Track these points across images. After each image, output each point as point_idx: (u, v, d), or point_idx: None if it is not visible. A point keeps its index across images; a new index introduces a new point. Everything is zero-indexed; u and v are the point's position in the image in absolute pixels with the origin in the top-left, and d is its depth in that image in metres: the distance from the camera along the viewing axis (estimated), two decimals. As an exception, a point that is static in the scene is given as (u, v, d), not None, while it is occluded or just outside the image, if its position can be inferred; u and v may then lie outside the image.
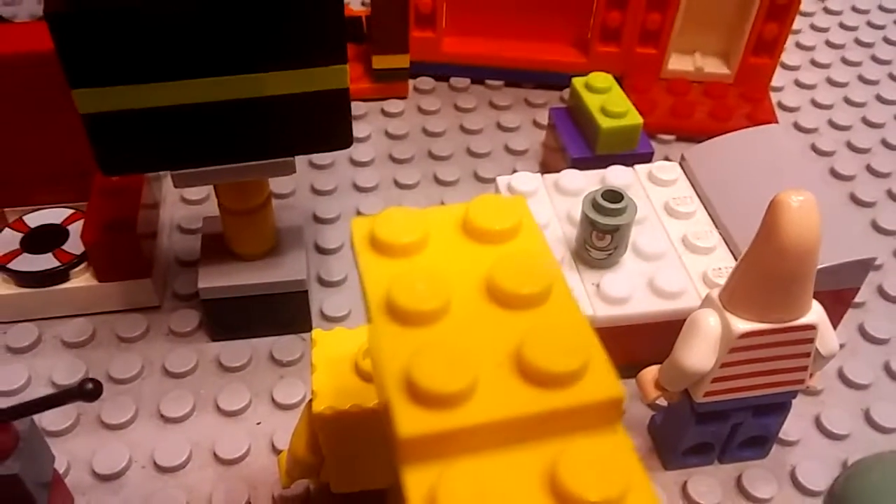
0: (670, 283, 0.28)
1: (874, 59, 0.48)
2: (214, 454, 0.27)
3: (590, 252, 0.29)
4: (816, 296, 0.23)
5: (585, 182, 0.32)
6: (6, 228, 0.32)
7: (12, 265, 0.31)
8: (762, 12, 0.40)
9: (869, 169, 0.41)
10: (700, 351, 0.24)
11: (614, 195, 0.28)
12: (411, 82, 0.44)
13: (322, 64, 0.24)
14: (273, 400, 0.29)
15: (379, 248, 0.16)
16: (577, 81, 0.36)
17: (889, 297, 0.34)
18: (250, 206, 0.29)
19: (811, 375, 0.25)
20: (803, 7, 0.46)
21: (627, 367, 0.27)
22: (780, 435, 0.28)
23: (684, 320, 0.25)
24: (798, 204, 0.21)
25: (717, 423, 0.26)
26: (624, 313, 0.28)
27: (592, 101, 0.35)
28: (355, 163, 0.40)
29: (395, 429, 0.13)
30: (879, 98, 0.45)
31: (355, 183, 0.39)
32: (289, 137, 0.26)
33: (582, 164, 0.34)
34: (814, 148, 0.42)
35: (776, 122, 0.41)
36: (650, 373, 0.26)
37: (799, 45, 0.49)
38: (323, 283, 0.34)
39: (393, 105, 0.43)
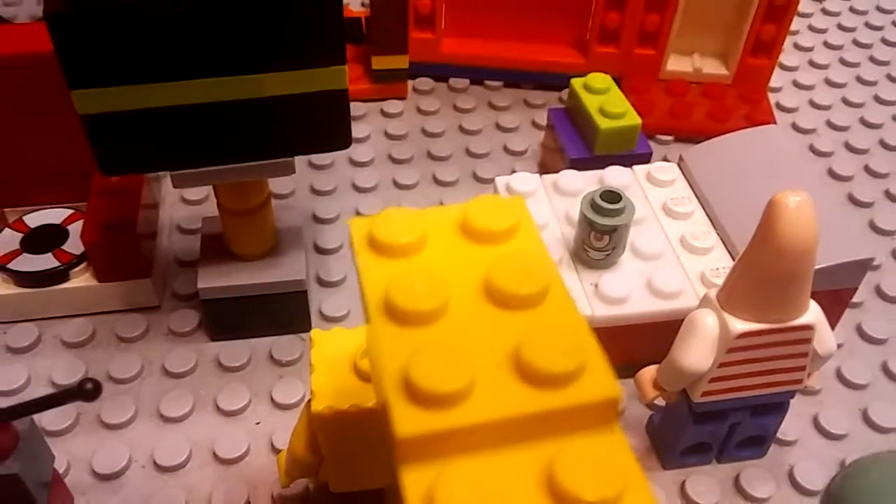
0: (668, 283, 0.28)
1: (872, 59, 0.48)
2: (214, 454, 0.28)
3: (588, 252, 0.29)
4: (814, 296, 0.24)
5: (584, 182, 0.32)
6: (6, 228, 0.32)
7: (12, 265, 0.31)
8: (760, 13, 0.40)
9: (867, 169, 0.41)
10: (698, 351, 0.24)
11: (612, 196, 0.28)
12: (410, 83, 0.44)
13: (321, 65, 0.24)
14: (272, 400, 0.29)
15: (377, 248, 0.16)
16: (576, 82, 0.36)
17: (887, 298, 0.34)
18: (250, 207, 0.29)
19: (809, 375, 0.25)
20: (801, 8, 0.46)
21: (626, 367, 0.27)
22: (778, 435, 0.28)
23: (682, 320, 0.25)
24: (795, 204, 0.21)
25: (715, 422, 0.26)
26: (622, 313, 0.28)
27: (591, 102, 0.35)
28: (355, 163, 0.40)
29: (393, 428, 0.13)
30: (877, 99, 0.46)
31: (355, 183, 0.39)
32: (288, 138, 0.26)
33: (580, 165, 0.34)
34: (812, 148, 0.42)
35: (774, 122, 0.41)
36: (648, 373, 0.26)
37: (797, 46, 0.49)
38: (322, 283, 0.34)
39: (392, 105, 0.43)
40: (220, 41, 0.23)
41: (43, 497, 0.23)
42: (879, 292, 0.35)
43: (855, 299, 0.33)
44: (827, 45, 0.49)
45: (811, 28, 0.51)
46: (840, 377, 0.31)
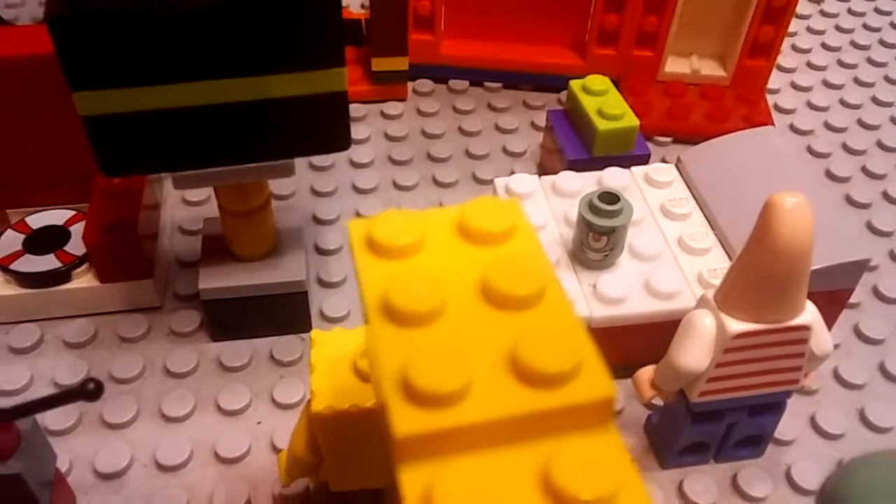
0: (666, 283, 0.28)
1: (870, 61, 0.49)
2: (215, 453, 0.28)
3: (586, 253, 0.29)
4: (811, 296, 0.24)
5: (582, 184, 0.32)
6: (9, 230, 0.32)
7: (14, 266, 0.31)
8: (758, 15, 0.40)
9: (864, 171, 0.41)
10: (695, 351, 0.24)
11: (610, 197, 0.28)
12: (410, 84, 0.44)
13: (321, 67, 0.24)
14: (273, 400, 0.29)
15: (376, 249, 0.16)
16: (575, 84, 0.37)
17: (884, 298, 0.34)
18: (250, 208, 0.29)
19: (806, 375, 0.26)
20: (799, 9, 0.47)
21: (624, 367, 0.28)
22: (776, 434, 0.28)
23: (680, 321, 0.25)
24: (792, 206, 0.21)
25: (712, 422, 0.26)
26: (620, 314, 0.28)
27: (589, 104, 0.35)
28: (355, 164, 0.40)
29: (392, 428, 0.13)
30: (875, 100, 0.46)
31: (355, 184, 0.39)
32: (288, 140, 0.26)
33: (579, 166, 0.34)
34: (810, 150, 0.42)
35: (772, 123, 0.41)
36: (646, 373, 0.26)
37: (795, 48, 0.49)
38: (322, 283, 0.34)
39: (392, 107, 0.43)
40: (220, 43, 0.23)
41: (45, 496, 0.23)
42: (877, 293, 0.35)
43: (852, 300, 0.33)
44: (825, 46, 0.50)
45: (809, 30, 0.51)
46: (837, 377, 0.31)
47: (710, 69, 0.43)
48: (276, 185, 0.37)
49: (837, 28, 0.51)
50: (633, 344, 0.28)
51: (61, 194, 0.33)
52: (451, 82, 0.45)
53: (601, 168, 0.33)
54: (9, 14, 0.49)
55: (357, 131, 0.41)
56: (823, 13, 0.52)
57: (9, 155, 0.32)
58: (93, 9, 0.22)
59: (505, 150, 0.41)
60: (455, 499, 0.13)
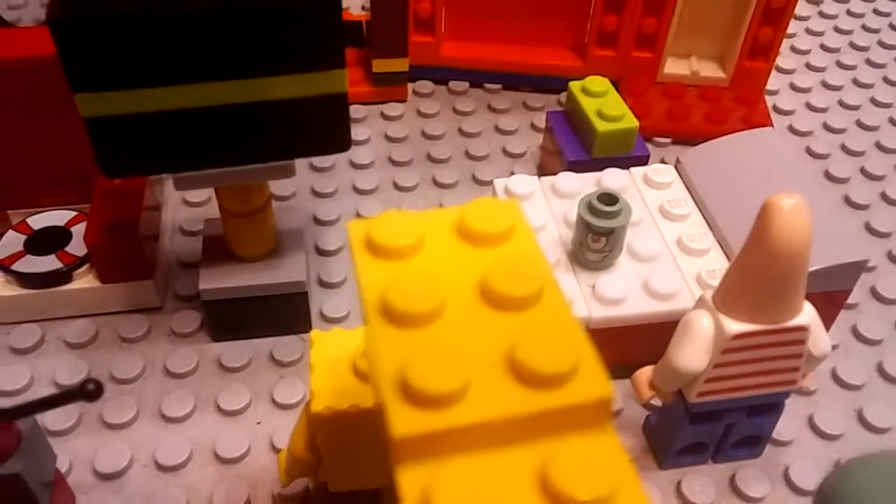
0: (665, 284, 0.28)
1: (869, 62, 0.49)
2: (215, 453, 0.28)
3: (585, 254, 0.29)
4: (809, 297, 0.24)
5: (581, 184, 0.33)
6: (10, 230, 0.33)
7: (16, 267, 0.31)
8: (757, 16, 0.40)
9: (863, 172, 0.41)
10: (693, 352, 0.24)
11: (609, 198, 0.28)
12: (410, 86, 0.44)
13: (321, 69, 0.24)
14: (273, 400, 0.30)
15: (375, 250, 0.16)
16: (574, 85, 0.37)
17: (882, 299, 0.35)
18: (251, 209, 0.29)
19: (804, 376, 0.26)
20: (798, 11, 0.47)
21: (622, 368, 0.28)
22: (774, 435, 0.28)
23: (678, 321, 0.25)
24: (789, 207, 0.21)
25: (710, 423, 0.26)
26: (619, 314, 0.28)
27: (589, 105, 0.36)
28: (355, 165, 0.40)
29: (390, 428, 0.13)
30: (874, 101, 0.46)
31: (355, 185, 0.39)
32: (288, 141, 0.26)
33: (578, 167, 0.34)
34: (808, 151, 0.42)
35: (771, 125, 0.42)
36: (645, 373, 0.26)
37: (794, 49, 0.49)
38: (323, 284, 0.34)
39: (392, 108, 0.43)
40: (221, 45, 0.23)
41: (45, 496, 0.23)
42: (875, 294, 0.35)
43: (850, 300, 0.33)
44: (824, 47, 0.50)
45: (808, 31, 0.51)
46: (835, 378, 0.31)
47: (710, 70, 0.43)
48: (277, 186, 0.38)
49: (836, 29, 0.51)
50: (632, 344, 0.28)
51: (63, 195, 0.33)
52: (452, 84, 0.45)
53: (601, 169, 0.33)
54: (11, 15, 0.49)
55: (357, 132, 0.41)
56: (822, 14, 0.53)
57: (10, 156, 0.32)
58: (95, 11, 0.22)
59: (505, 152, 0.41)
60: (453, 499, 0.13)
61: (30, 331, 0.31)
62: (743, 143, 0.33)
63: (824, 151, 0.42)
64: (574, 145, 0.36)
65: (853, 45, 0.50)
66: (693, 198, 0.32)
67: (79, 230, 0.32)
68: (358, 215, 0.38)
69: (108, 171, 0.26)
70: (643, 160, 0.36)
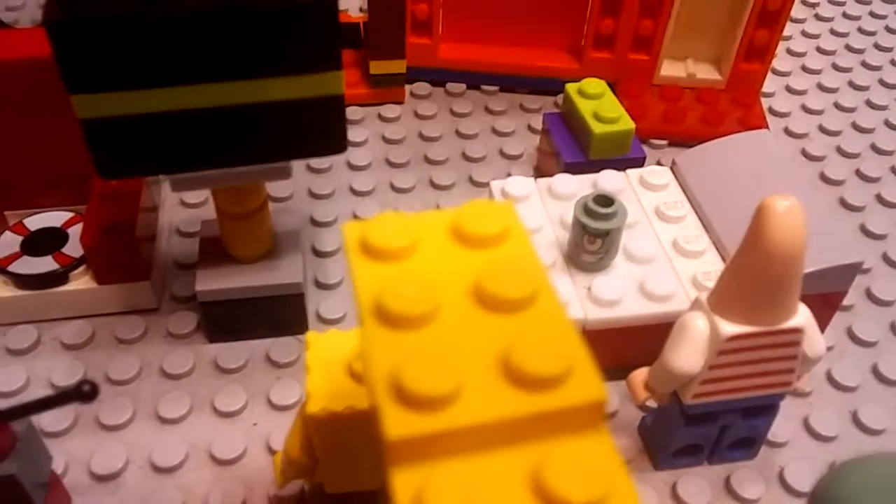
0: (660, 286, 0.28)
1: (864, 65, 0.49)
2: (211, 455, 0.28)
3: (581, 255, 0.29)
4: (804, 299, 0.24)
5: (578, 186, 0.33)
6: (7, 231, 0.33)
7: (12, 268, 0.31)
8: (753, 19, 0.40)
9: (858, 173, 0.41)
10: (688, 353, 0.24)
11: (605, 200, 0.28)
12: (408, 87, 0.44)
13: (317, 70, 0.24)
14: (269, 401, 0.30)
15: (370, 252, 0.16)
16: (571, 87, 0.37)
17: (877, 301, 0.35)
18: (247, 210, 0.29)
19: (799, 377, 0.26)
20: (794, 13, 0.47)
21: (618, 370, 0.28)
22: (769, 436, 0.28)
23: (674, 323, 0.25)
24: (784, 209, 0.21)
25: (706, 424, 0.26)
26: (614, 316, 0.28)
27: (585, 107, 0.36)
28: (352, 167, 0.40)
29: (383, 430, 0.13)
30: (869, 104, 0.46)
31: (352, 187, 0.39)
32: (284, 142, 0.26)
33: (575, 169, 0.34)
34: (804, 153, 0.42)
35: (767, 127, 0.42)
36: (640, 375, 0.26)
37: (790, 52, 0.50)
38: (320, 285, 0.34)
39: (390, 110, 0.43)
40: (216, 47, 0.23)
41: (40, 498, 0.23)
42: (870, 295, 0.35)
43: (845, 302, 0.33)
44: (820, 50, 0.50)
45: (804, 33, 0.51)
46: (830, 379, 0.31)
47: (706, 73, 0.43)
48: (274, 188, 0.38)
49: (832, 32, 0.51)
50: (628, 346, 0.28)
51: (59, 196, 0.33)
52: (449, 85, 0.45)
53: (597, 171, 0.33)
54: (9, 17, 0.49)
55: (355, 134, 0.41)
56: (818, 17, 0.53)
57: (7, 157, 0.32)
58: (91, 13, 0.22)
59: (502, 153, 0.41)
60: (447, 502, 0.13)
61: (26, 332, 0.31)
62: (739, 145, 0.33)
63: (820, 153, 0.42)
64: (571, 147, 0.36)
65: (849, 48, 0.50)
66: (689, 200, 0.32)
67: (75, 231, 0.32)
68: (355, 217, 0.38)
69: (104, 172, 0.26)
70: (639, 162, 0.36)
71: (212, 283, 0.30)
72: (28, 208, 0.33)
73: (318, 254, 0.35)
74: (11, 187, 0.33)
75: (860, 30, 0.52)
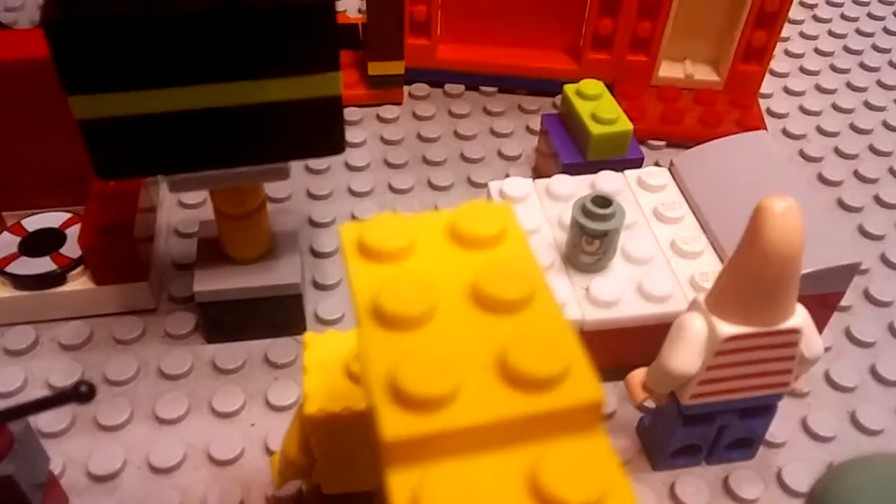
0: (658, 286, 0.28)
1: (862, 66, 0.49)
2: (209, 455, 0.28)
3: (579, 256, 0.29)
4: (802, 300, 0.24)
5: (576, 187, 0.33)
6: (4, 232, 0.33)
7: (10, 268, 0.31)
8: (751, 20, 0.40)
9: (856, 174, 0.41)
10: (686, 354, 0.24)
11: (603, 201, 0.28)
12: (406, 88, 0.44)
13: (315, 71, 0.24)
14: (267, 402, 0.30)
15: (367, 253, 0.16)
16: (569, 88, 0.37)
17: (875, 301, 0.35)
18: (245, 211, 0.29)
19: (797, 378, 0.26)
20: (792, 15, 0.47)
21: (616, 370, 0.28)
22: (767, 437, 0.28)
23: (671, 324, 0.25)
24: (781, 210, 0.21)
25: (704, 424, 0.27)
26: (612, 317, 0.28)
27: (583, 108, 0.36)
28: (350, 168, 0.40)
29: (380, 431, 0.13)
30: (867, 105, 0.46)
31: (350, 188, 0.39)
32: (282, 143, 0.26)
33: (573, 170, 0.34)
34: (802, 154, 0.42)
35: (765, 128, 0.42)
36: (638, 375, 0.26)
37: (788, 53, 0.50)
38: (318, 286, 0.34)
39: (388, 111, 0.43)
40: (214, 48, 0.23)
41: (38, 498, 0.23)
42: (868, 296, 0.35)
43: (843, 303, 0.33)
44: (818, 51, 0.50)
45: (802, 35, 0.51)
46: (828, 380, 0.31)
47: (704, 74, 0.43)
48: (272, 189, 0.38)
49: (830, 33, 0.52)
50: (626, 347, 0.28)
51: (57, 197, 0.33)
52: (447, 86, 0.45)
53: (595, 172, 0.33)
54: (8, 18, 0.49)
55: (353, 135, 0.41)
56: (816, 18, 0.53)
57: (5, 158, 0.32)
58: (89, 13, 0.22)
59: (500, 154, 0.41)
60: (443, 502, 0.13)
61: (24, 332, 0.31)
62: (737, 146, 0.33)
63: (818, 154, 0.42)
64: (569, 148, 0.36)
65: (847, 49, 0.50)
66: (687, 201, 0.32)
67: (73, 232, 0.32)
68: (353, 217, 0.38)
69: (102, 172, 0.26)
70: (637, 163, 0.36)
71: (210, 283, 0.30)
72: (26, 209, 0.33)
73: (317, 254, 0.35)
74: (9, 188, 0.33)
75: (858, 31, 0.52)
